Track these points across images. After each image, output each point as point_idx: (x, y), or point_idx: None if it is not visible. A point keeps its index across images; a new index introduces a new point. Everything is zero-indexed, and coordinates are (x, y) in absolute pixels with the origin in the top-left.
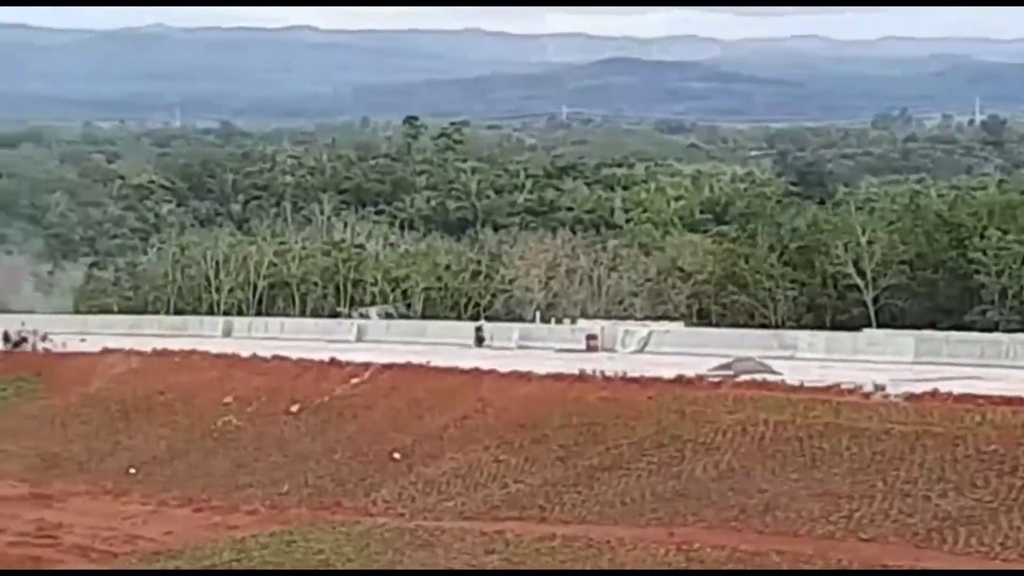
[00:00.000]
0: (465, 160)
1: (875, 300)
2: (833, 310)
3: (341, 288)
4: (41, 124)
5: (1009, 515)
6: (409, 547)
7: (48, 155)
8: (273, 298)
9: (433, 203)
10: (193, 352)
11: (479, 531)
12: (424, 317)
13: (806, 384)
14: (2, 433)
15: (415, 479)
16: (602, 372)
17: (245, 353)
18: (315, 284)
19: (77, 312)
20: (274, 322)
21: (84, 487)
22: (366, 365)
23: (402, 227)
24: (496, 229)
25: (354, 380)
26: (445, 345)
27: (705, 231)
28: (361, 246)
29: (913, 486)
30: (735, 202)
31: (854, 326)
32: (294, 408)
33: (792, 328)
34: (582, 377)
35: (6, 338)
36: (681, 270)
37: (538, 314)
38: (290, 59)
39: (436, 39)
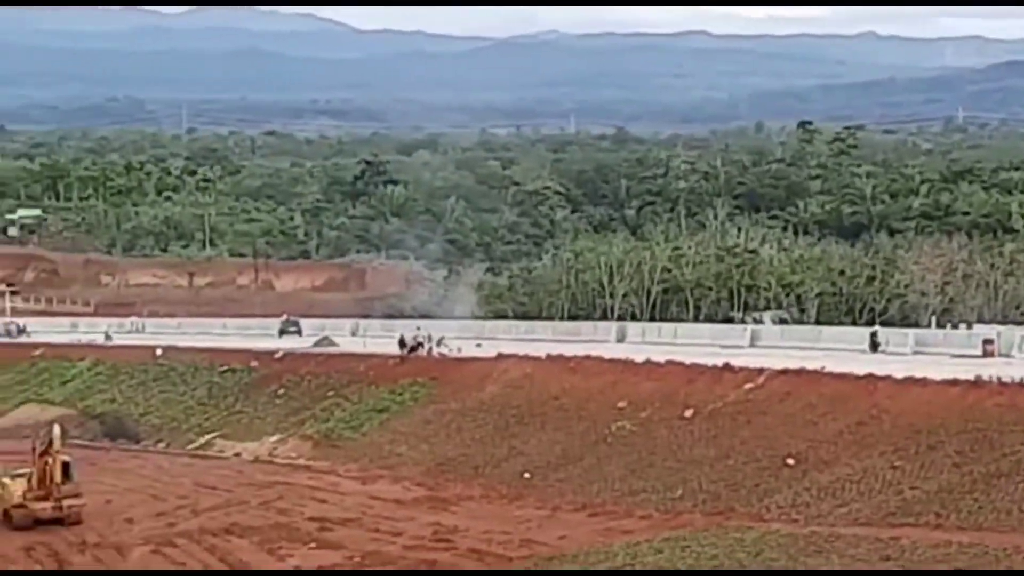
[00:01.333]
0: (860, 165)
1: None
2: None
3: (734, 293)
4: (438, 131)
5: None
6: (803, 553)
7: (445, 162)
8: (666, 303)
9: (827, 208)
10: (587, 357)
11: (874, 538)
12: (818, 322)
13: None
14: (399, 437)
15: (809, 485)
16: (999, 378)
17: (639, 358)
18: (708, 289)
19: (472, 317)
20: (667, 327)
21: (479, 491)
22: (760, 370)
23: (795, 232)
24: (891, 234)
25: (748, 385)
26: (839, 351)
27: None
28: (754, 251)
29: None
30: None
31: None
32: (687, 413)
33: None
34: (978, 383)
35: (402, 343)
36: None
37: (934, 319)
38: (684, 64)
39: (831, 43)
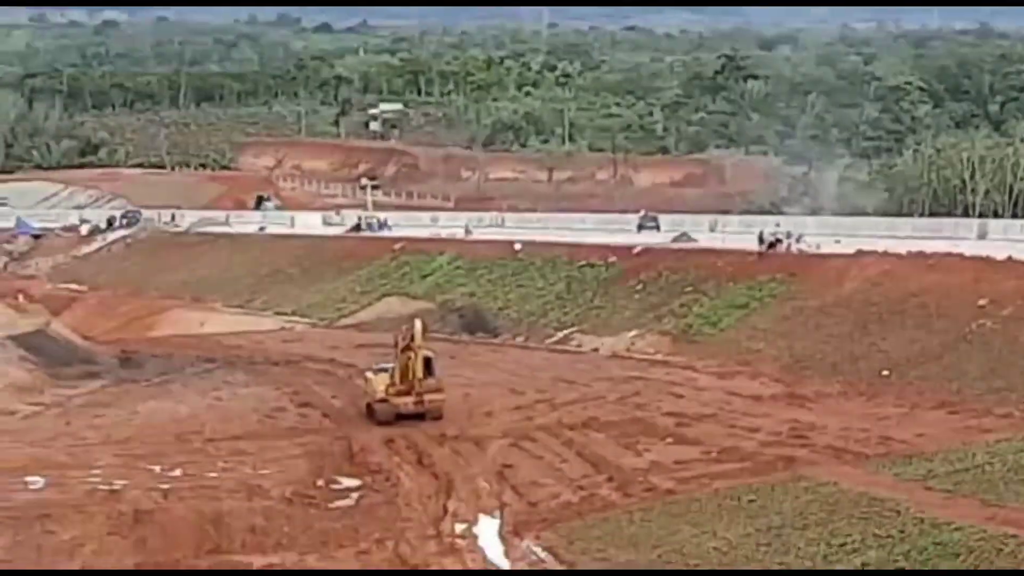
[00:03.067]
0: None
1: None
2: None
3: None
4: (797, 26)
5: None
6: None
7: (805, 57)
8: None
9: None
10: (947, 254)
11: None
12: None
13: None
14: (757, 333)
15: None
16: None
17: (1000, 256)
18: None
19: (832, 213)
20: None
21: (837, 388)
22: None
23: None
24: None
25: None
26: None
27: None
28: None
29: None
30: None
31: None
32: None
33: None
34: None
35: (761, 239)
36: None
37: None
38: None
39: None
